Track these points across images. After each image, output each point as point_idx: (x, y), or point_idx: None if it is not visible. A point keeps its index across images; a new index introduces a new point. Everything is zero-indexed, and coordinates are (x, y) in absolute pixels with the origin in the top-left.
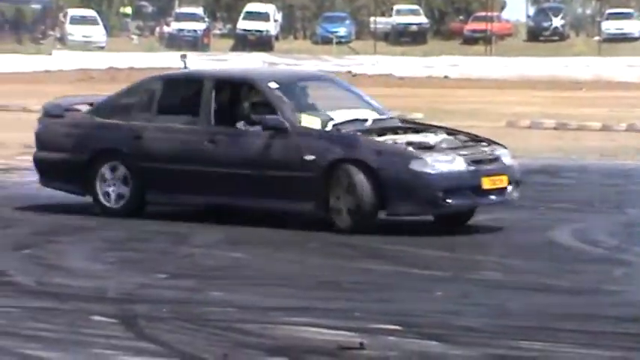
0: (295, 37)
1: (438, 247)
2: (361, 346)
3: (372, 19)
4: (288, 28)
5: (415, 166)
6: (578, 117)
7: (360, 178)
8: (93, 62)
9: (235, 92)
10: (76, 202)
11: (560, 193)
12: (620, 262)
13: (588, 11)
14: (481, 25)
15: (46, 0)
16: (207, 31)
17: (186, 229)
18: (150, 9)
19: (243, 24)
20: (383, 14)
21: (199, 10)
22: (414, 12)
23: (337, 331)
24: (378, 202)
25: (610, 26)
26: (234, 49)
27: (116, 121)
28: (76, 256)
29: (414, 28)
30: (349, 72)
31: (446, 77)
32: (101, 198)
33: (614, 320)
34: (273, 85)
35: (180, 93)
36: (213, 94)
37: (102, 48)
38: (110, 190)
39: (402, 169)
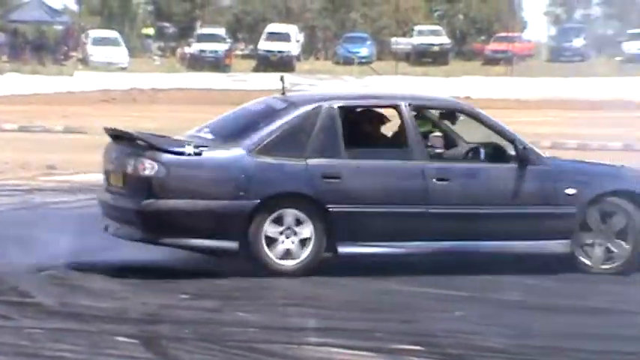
0: (317, 58)
1: (454, 267)
2: None
3: (393, 39)
4: (309, 49)
5: None
6: (599, 137)
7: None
8: (114, 83)
9: (434, 119)
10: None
11: None
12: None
13: (610, 31)
14: (502, 46)
15: (67, 21)
16: (228, 51)
17: None
18: (171, 30)
19: (264, 44)
20: (404, 34)
21: (221, 31)
22: (435, 32)
23: (359, 351)
24: None
25: (631, 47)
26: (255, 69)
27: (290, 159)
28: (97, 277)
29: (436, 48)
30: None
31: (467, 98)
32: (265, 255)
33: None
34: (482, 111)
35: (370, 122)
36: (415, 122)
37: (124, 69)
38: (284, 244)
39: None
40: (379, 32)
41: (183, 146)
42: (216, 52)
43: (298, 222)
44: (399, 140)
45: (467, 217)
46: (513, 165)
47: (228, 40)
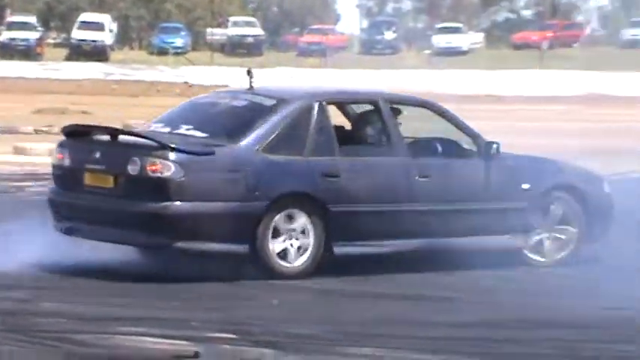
0: (131, 48)
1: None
2: (196, 356)
3: (208, 30)
4: (123, 39)
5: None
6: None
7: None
8: None
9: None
10: None
11: None
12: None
13: (420, 25)
14: (316, 38)
15: None
16: (40, 40)
17: None
18: None
19: (77, 33)
20: (219, 25)
21: (32, 19)
22: (249, 24)
23: (172, 340)
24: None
25: (440, 40)
26: (68, 58)
27: (293, 157)
28: None
29: (250, 39)
30: (186, 82)
31: None
32: (273, 258)
33: (445, 326)
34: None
35: (357, 119)
36: (394, 119)
37: None
38: (288, 245)
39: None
40: (194, 23)
41: (196, 145)
42: (27, 40)
43: (303, 221)
44: (380, 137)
45: (449, 214)
46: (479, 160)
47: (40, 29)
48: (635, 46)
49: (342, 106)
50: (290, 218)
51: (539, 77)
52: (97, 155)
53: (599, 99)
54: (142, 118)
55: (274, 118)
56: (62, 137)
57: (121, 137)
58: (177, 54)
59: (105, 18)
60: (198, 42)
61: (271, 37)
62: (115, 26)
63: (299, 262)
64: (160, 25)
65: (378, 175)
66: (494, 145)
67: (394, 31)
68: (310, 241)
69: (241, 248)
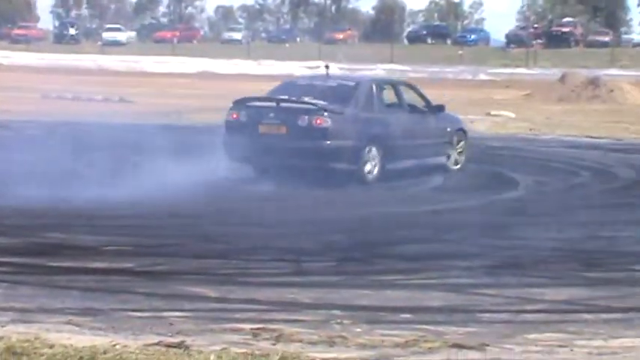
0: None
1: None
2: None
3: None
4: None
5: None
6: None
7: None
8: None
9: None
10: None
11: None
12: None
13: (94, 25)
14: (23, 31)
15: None
16: None
17: None
18: None
19: None
20: None
21: None
22: None
23: None
24: None
25: (108, 36)
26: None
27: (369, 114)
28: None
29: None
30: None
31: None
32: (365, 172)
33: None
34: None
35: (386, 93)
36: (403, 93)
37: None
38: (370, 165)
39: None
40: None
41: (340, 107)
42: None
43: (374, 151)
44: (396, 103)
45: (424, 145)
46: (431, 114)
47: None
48: (231, 43)
49: (380, 85)
50: (369, 150)
51: (173, 61)
52: (271, 114)
53: (209, 75)
54: None
55: (357, 93)
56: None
57: (282, 103)
58: None
59: None
60: None
61: None
62: None
63: (374, 173)
64: None
65: (403, 124)
66: (439, 107)
67: (76, 29)
68: (377, 162)
69: (354, 167)
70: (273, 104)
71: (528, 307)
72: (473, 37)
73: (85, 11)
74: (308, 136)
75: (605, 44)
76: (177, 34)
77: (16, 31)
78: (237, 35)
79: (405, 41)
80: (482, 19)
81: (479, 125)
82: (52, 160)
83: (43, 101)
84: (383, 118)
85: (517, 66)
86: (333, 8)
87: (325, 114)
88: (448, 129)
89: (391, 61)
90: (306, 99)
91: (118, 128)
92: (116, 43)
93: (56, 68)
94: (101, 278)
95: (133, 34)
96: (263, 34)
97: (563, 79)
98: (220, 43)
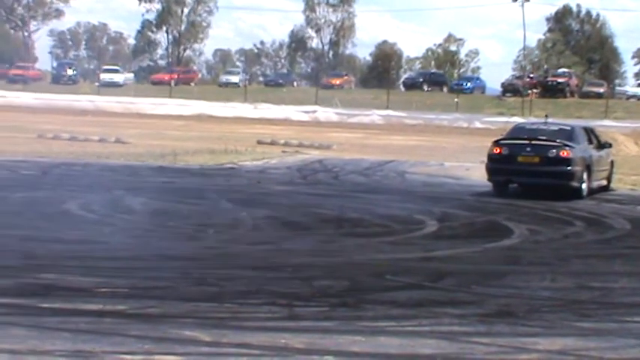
0: None
1: None
2: None
3: None
4: None
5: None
6: (85, 133)
7: None
8: None
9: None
10: None
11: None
12: (108, 223)
13: (92, 66)
14: (20, 71)
15: None
16: None
17: None
18: None
19: None
20: None
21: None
22: None
23: None
24: None
25: (105, 77)
26: None
27: (587, 148)
28: None
29: None
30: None
31: None
32: (584, 189)
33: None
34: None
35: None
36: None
37: None
38: (584, 183)
39: None
40: None
41: (576, 143)
42: None
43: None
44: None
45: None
46: (603, 149)
47: None
48: (228, 86)
49: (584, 128)
50: (585, 173)
51: (170, 103)
52: (527, 149)
53: (205, 118)
54: None
55: (576, 134)
56: (495, 142)
57: (535, 141)
58: None
59: None
60: None
61: None
62: None
63: (586, 190)
64: None
65: (595, 156)
66: (609, 144)
67: (74, 70)
68: (586, 181)
69: (579, 185)
70: (527, 142)
71: (522, 357)
72: (469, 85)
73: (83, 52)
74: (556, 163)
75: (599, 95)
76: (175, 76)
77: (14, 71)
78: (235, 78)
79: (402, 88)
80: (479, 68)
81: (474, 173)
82: (46, 199)
83: (38, 141)
84: (589, 151)
85: (513, 115)
86: (331, 54)
87: (567, 148)
88: (609, 160)
89: (387, 107)
90: (539, 139)
91: (109, 169)
92: (113, 84)
93: (53, 108)
94: (93, 319)
95: (130, 75)
96: (260, 78)
97: None
98: (218, 86)
